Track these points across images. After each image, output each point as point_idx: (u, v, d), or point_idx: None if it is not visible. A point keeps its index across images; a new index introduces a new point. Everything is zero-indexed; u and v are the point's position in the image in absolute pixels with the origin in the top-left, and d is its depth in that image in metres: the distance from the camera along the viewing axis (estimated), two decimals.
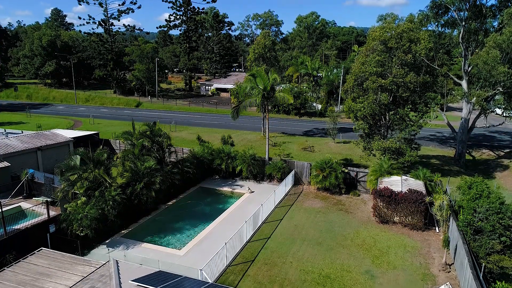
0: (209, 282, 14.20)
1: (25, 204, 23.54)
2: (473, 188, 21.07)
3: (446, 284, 17.05)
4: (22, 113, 69.36)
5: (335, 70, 76.98)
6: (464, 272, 16.97)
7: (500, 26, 33.41)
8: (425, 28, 36.77)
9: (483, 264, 17.37)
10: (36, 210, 21.86)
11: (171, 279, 13.05)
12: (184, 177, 29.54)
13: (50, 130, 37.28)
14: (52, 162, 30.64)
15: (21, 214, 21.84)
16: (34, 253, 15.79)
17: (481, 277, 16.18)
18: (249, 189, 30.65)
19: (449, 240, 20.85)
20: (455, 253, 19.69)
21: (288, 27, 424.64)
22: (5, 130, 41.66)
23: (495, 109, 55.41)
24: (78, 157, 23.39)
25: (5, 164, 26.59)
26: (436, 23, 36.75)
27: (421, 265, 20.01)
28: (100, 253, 20.67)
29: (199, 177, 31.92)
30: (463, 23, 34.05)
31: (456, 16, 34.52)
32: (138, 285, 12.29)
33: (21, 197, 24.79)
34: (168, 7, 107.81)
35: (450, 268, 19.64)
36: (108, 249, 21.10)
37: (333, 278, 18.80)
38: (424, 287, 18.16)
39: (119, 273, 13.23)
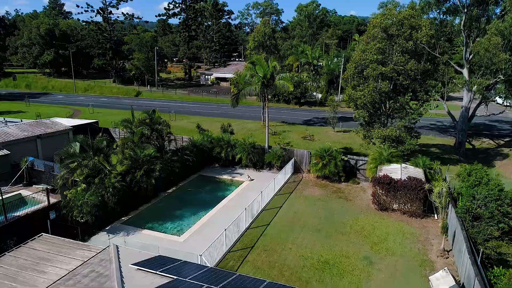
0: (208, 266, 14.30)
1: (25, 192, 23.63)
2: (473, 175, 21.14)
3: (444, 269, 17.20)
4: (21, 102, 69.12)
5: (335, 59, 76.46)
6: (462, 257, 17.10)
7: (503, 13, 33.10)
8: (427, 16, 36.43)
9: (481, 250, 17.50)
10: (36, 197, 21.93)
11: (171, 263, 13.14)
12: (184, 165, 29.55)
13: (50, 119, 37.18)
14: (51, 150, 30.61)
15: (21, 201, 21.93)
16: (35, 238, 15.85)
17: (479, 263, 16.31)
18: (248, 177, 30.70)
19: (447, 226, 20.94)
20: (453, 239, 19.82)
21: (288, 16, 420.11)
22: (4, 119, 41.61)
23: (496, 98, 55.26)
24: (78, 144, 23.37)
25: (5, 152, 26.59)
26: (437, 10, 36.44)
27: (419, 251, 20.15)
28: (101, 239, 20.80)
29: (198, 165, 31.93)
30: (465, 10, 33.70)
31: (458, 2, 34.14)
32: (138, 268, 12.38)
33: (21, 184, 24.87)
34: None
35: (448, 254, 19.79)
36: (109, 236, 21.23)
37: (332, 263, 18.95)
38: (422, 272, 18.32)
39: (119, 258, 13.30)
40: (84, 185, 21.50)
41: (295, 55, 75.68)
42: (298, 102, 67.78)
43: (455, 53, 57.06)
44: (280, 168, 31.51)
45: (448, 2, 35.45)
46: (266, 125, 34.61)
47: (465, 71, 35.55)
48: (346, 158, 30.61)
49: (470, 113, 37.07)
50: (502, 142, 41.88)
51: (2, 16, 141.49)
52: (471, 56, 34.45)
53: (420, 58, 31.15)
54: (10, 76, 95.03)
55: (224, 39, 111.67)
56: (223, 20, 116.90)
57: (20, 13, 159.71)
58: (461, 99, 40.70)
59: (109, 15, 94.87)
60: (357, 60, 31.65)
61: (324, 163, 29.47)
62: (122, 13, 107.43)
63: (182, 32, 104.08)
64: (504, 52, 29.57)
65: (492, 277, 16.27)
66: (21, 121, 39.62)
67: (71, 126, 35.51)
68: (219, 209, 25.13)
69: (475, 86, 32.92)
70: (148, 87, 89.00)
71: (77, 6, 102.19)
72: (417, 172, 26.21)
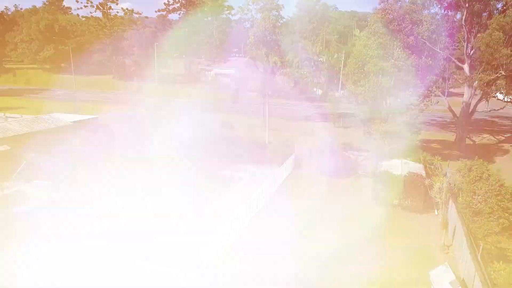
0: None
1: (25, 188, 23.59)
2: (473, 171, 21.13)
3: (444, 264, 17.22)
4: (21, 97, 68.97)
5: (336, 55, 76.20)
6: (463, 252, 17.13)
7: (504, 8, 32.94)
8: (428, 11, 36.24)
9: (481, 245, 17.51)
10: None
11: None
12: None
13: (50, 114, 37.09)
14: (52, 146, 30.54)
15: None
16: None
17: (479, 258, 16.33)
18: (249, 173, 30.69)
19: (448, 222, 20.98)
20: (453, 234, 19.85)
21: (289, 12, 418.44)
22: (4, 114, 41.51)
23: (497, 93, 55.07)
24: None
25: (5, 147, 26.54)
26: (439, 5, 36.21)
27: (419, 247, 20.16)
28: None
29: None
30: (467, 5, 33.51)
31: None
32: None
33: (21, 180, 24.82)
34: None
35: (449, 249, 19.83)
36: None
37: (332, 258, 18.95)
38: (423, 267, 18.33)
39: None
40: None
41: (296, 50, 75.35)
42: (299, 98, 67.52)
43: (456, 49, 56.91)
44: (280, 164, 31.46)
45: None
46: (266, 121, 34.57)
47: (466, 67, 35.45)
48: (346, 154, 30.60)
49: (470, 109, 37.01)
50: (502, 138, 41.90)
51: (1, 11, 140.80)
52: (472, 52, 34.34)
53: (421, 54, 31.04)
54: (9, 72, 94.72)
55: (224, 35, 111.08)
56: (223, 16, 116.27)
57: (19, 9, 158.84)
58: (461, 94, 40.62)
59: (108, 11, 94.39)
60: (358, 56, 31.53)
61: (325, 159, 29.44)
62: (122, 8, 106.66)
63: (182, 28, 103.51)
64: (506, 48, 29.47)
65: (492, 272, 16.30)
66: (21, 116, 39.54)
67: (71, 122, 35.43)
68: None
69: (476, 82, 32.85)
70: (148, 83, 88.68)
71: (77, 1, 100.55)
72: (418, 168, 26.20)
